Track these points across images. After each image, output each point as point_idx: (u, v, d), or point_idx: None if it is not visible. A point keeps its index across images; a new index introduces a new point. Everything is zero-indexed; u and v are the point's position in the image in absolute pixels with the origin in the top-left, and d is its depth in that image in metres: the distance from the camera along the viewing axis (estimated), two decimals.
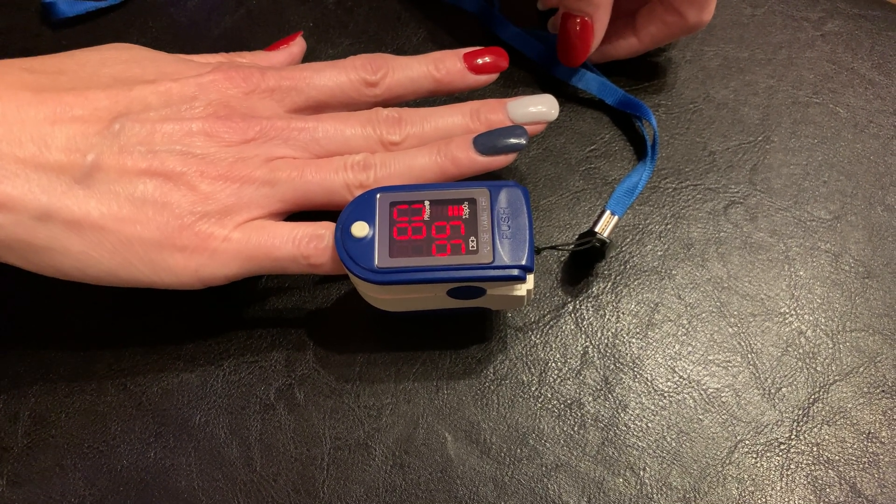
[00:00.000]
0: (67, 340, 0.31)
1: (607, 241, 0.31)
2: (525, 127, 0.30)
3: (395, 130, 0.30)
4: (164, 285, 0.28)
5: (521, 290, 0.27)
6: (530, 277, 0.27)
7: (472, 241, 0.26)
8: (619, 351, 0.30)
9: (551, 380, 0.30)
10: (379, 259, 0.26)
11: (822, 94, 0.37)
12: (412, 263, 0.26)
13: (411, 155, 0.29)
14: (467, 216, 0.27)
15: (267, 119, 0.29)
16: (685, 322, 0.31)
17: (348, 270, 0.27)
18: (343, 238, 0.27)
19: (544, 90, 0.36)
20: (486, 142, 0.29)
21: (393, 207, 0.27)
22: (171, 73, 0.30)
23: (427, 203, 0.27)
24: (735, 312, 0.31)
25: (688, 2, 0.33)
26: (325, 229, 0.28)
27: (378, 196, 0.27)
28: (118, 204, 0.27)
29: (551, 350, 0.30)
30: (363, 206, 0.27)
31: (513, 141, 0.29)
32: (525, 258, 0.26)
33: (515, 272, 0.26)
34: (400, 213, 0.27)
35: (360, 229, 0.27)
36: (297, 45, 0.35)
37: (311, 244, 0.28)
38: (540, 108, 0.31)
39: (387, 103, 0.31)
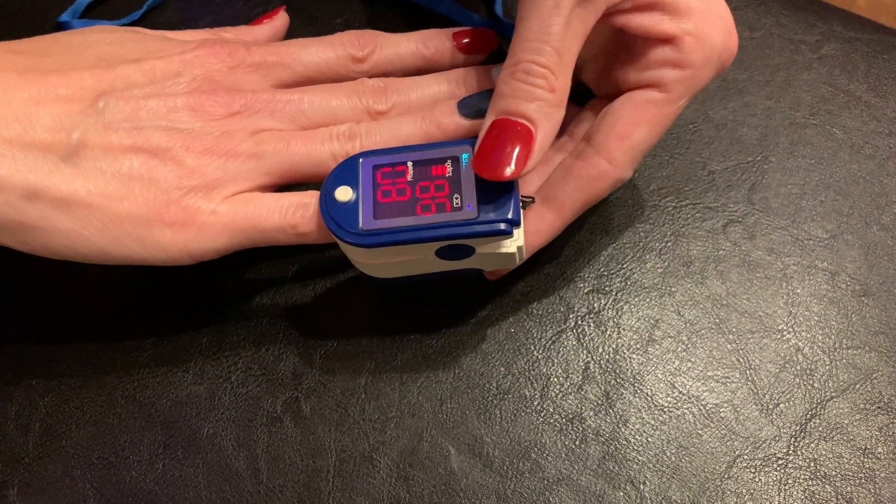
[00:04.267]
0: (78, 353, 0.31)
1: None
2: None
3: (381, 100, 0.30)
4: (156, 261, 0.28)
5: (511, 246, 0.27)
6: (518, 233, 0.27)
7: (457, 198, 0.26)
8: (620, 366, 0.31)
9: (553, 394, 0.30)
10: (363, 222, 0.26)
11: (819, 116, 0.37)
12: (397, 224, 0.26)
13: (396, 123, 0.29)
14: (451, 174, 0.27)
15: (252, 92, 0.29)
16: (685, 338, 0.32)
17: (334, 235, 0.27)
18: (327, 204, 0.27)
19: None
20: (471, 104, 0.29)
21: (376, 170, 0.27)
22: (156, 50, 0.30)
23: (410, 164, 0.27)
24: (734, 329, 0.32)
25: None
26: (311, 198, 0.28)
27: (361, 160, 0.28)
28: (105, 181, 0.27)
29: (553, 365, 0.31)
30: (346, 171, 0.27)
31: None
32: (511, 211, 0.26)
33: (502, 226, 0.26)
34: (383, 175, 0.27)
35: (343, 193, 0.27)
36: (281, 20, 0.35)
37: (297, 213, 0.28)
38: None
39: (379, 74, 0.31)
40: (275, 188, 0.30)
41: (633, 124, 0.28)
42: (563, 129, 0.31)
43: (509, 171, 0.26)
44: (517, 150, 0.26)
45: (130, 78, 0.28)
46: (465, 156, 0.27)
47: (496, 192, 0.26)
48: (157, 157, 0.27)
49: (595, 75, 0.31)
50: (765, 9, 0.41)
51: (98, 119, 0.27)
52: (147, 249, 0.27)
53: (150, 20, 0.40)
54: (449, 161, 0.27)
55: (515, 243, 0.27)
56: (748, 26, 0.40)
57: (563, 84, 0.27)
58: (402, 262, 0.28)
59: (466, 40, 0.32)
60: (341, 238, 0.26)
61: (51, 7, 0.40)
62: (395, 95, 0.30)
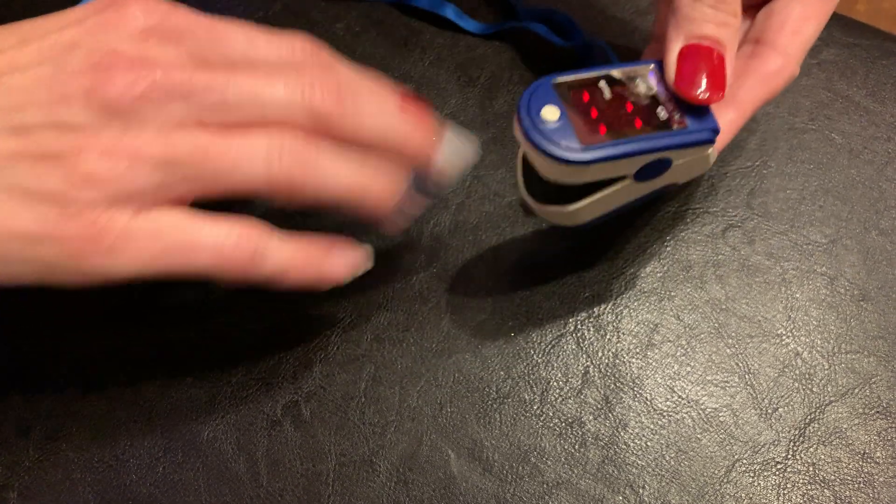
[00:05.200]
0: (78, 357, 0.31)
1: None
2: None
3: (331, 102, 0.24)
4: (55, 285, 0.24)
5: (710, 151, 0.28)
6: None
7: (662, 110, 0.27)
8: (620, 371, 0.31)
9: (553, 399, 0.30)
10: (580, 139, 0.25)
11: (817, 121, 0.37)
12: (609, 139, 0.26)
13: (343, 167, 0.25)
14: (645, 90, 0.27)
15: (163, 69, 0.23)
16: (684, 343, 0.32)
17: (548, 155, 0.25)
18: (535, 127, 0.25)
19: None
20: (420, 184, 0.27)
21: (571, 90, 0.27)
22: (56, 19, 0.24)
23: (602, 83, 0.27)
24: (733, 334, 0.32)
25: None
26: (257, 231, 0.24)
27: (553, 82, 0.27)
28: None
29: (553, 369, 0.31)
30: (542, 92, 0.26)
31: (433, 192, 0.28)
32: (712, 120, 0.27)
33: (708, 134, 0.27)
34: (579, 95, 0.26)
35: (551, 113, 0.25)
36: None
37: (233, 255, 0.24)
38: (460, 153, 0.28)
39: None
40: (193, 200, 0.25)
41: (804, 19, 0.30)
42: None
43: (710, 94, 0.27)
44: (715, 74, 0.27)
45: (17, 60, 0.23)
46: (651, 74, 0.28)
47: (691, 104, 0.27)
48: (45, 164, 0.22)
49: None
50: None
51: None
52: (42, 271, 0.23)
53: None
54: (640, 78, 0.27)
55: (711, 147, 0.28)
56: None
57: (740, 9, 0.28)
58: (601, 198, 0.28)
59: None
60: (559, 157, 0.25)
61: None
62: (351, 104, 0.25)
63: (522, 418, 0.30)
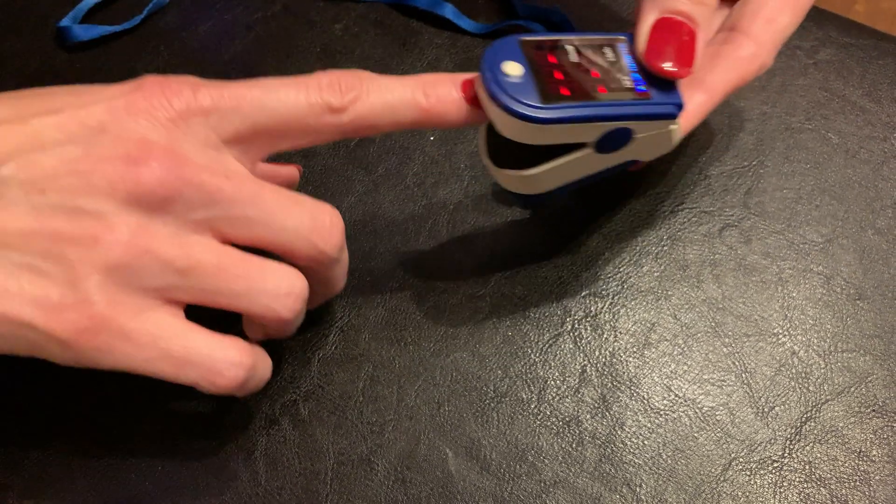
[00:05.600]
0: None
1: None
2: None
3: (339, 248, 0.26)
4: (46, 358, 0.24)
5: (672, 127, 0.27)
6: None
7: (627, 80, 0.27)
8: (617, 369, 0.31)
9: (550, 397, 0.31)
10: (542, 97, 0.25)
11: (814, 121, 0.38)
12: (571, 101, 0.25)
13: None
14: (613, 59, 0.27)
15: (191, 172, 0.23)
16: (681, 342, 0.32)
17: (507, 110, 0.24)
18: (497, 79, 0.24)
19: None
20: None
21: (538, 49, 0.26)
22: (83, 94, 0.24)
23: (571, 47, 0.26)
24: (729, 333, 0.32)
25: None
26: (252, 357, 0.25)
27: (519, 40, 0.26)
28: None
29: (550, 368, 0.31)
30: (506, 48, 0.25)
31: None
32: (677, 95, 0.27)
33: (672, 108, 0.27)
34: (543, 56, 0.26)
35: (513, 69, 0.25)
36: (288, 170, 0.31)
37: (230, 372, 0.24)
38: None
39: (356, 134, 0.26)
40: (189, 305, 0.25)
41: (778, 9, 0.30)
42: None
43: (678, 68, 0.27)
44: (684, 49, 0.27)
45: (43, 135, 0.23)
46: (620, 45, 0.27)
47: (656, 77, 0.27)
48: (57, 248, 0.22)
49: None
50: None
51: None
52: (32, 352, 0.23)
53: (151, 26, 0.40)
54: (608, 47, 0.27)
55: (674, 124, 0.28)
56: None
57: None
58: (560, 166, 0.27)
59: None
60: (519, 112, 0.24)
61: (52, 12, 0.40)
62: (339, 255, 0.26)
63: (520, 417, 0.30)
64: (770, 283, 0.33)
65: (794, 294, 0.33)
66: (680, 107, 0.27)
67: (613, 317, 0.32)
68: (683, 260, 0.34)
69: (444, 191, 0.35)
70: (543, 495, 0.29)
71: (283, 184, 0.29)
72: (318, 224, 0.25)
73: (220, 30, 0.40)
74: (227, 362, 0.24)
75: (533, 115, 0.24)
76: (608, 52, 0.27)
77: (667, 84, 0.27)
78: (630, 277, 0.33)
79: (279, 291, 0.25)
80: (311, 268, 0.26)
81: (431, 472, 0.29)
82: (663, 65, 0.27)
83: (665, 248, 0.34)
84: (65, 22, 0.39)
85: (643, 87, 0.26)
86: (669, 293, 0.33)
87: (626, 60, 0.27)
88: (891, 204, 0.35)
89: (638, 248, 0.34)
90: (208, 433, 0.30)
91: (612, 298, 0.33)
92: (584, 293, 0.33)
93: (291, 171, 0.31)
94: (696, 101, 0.29)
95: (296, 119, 0.25)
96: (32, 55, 0.39)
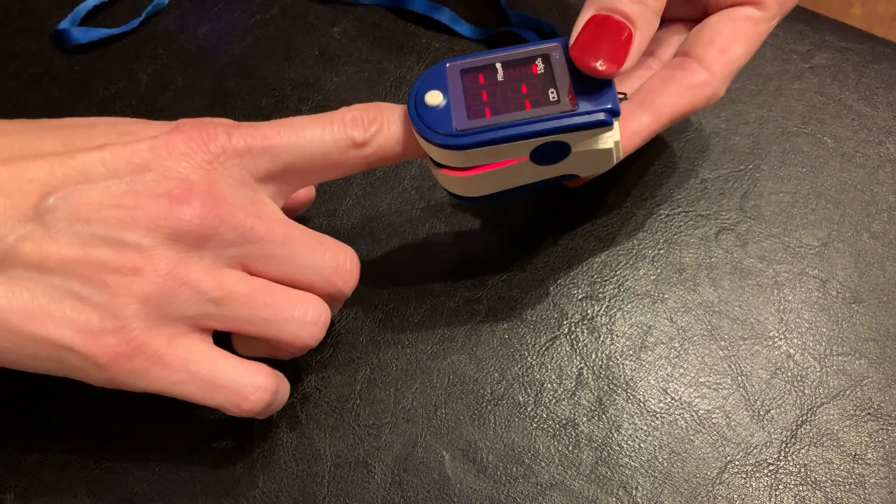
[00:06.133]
0: None
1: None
2: None
3: (350, 283, 0.28)
4: (80, 379, 0.25)
5: (608, 141, 0.26)
6: (616, 127, 0.26)
7: (552, 92, 0.25)
8: (613, 372, 0.31)
9: (547, 400, 0.31)
10: (457, 122, 0.25)
11: (810, 125, 0.38)
12: (492, 122, 0.25)
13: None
14: (543, 71, 0.26)
15: (229, 212, 0.25)
16: (677, 345, 0.32)
17: (426, 140, 0.25)
18: (417, 109, 0.25)
19: None
20: None
21: (465, 73, 0.26)
22: (125, 133, 0.26)
23: (499, 65, 0.26)
24: (725, 336, 0.32)
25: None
26: (275, 380, 0.26)
27: (447, 65, 0.27)
28: (31, 295, 0.23)
29: (547, 371, 0.31)
30: (433, 76, 0.26)
31: None
32: (610, 102, 0.25)
33: (602, 116, 0.25)
34: (473, 77, 0.26)
35: (433, 98, 0.26)
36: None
37: (254, 395, 0.25)
38: None
39: (382, 163, 0.28)
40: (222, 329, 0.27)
41: (732, 39, 0.30)
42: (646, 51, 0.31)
43: (606, 66, 0.25)
44: (617, 47, 0.26)
45: (88, 169, 0.24)
46: (554, 53, 0.26)
47: (592, 85, 0.26)
48: (99, 277, 0.23)
49: None
50: None
51: (38, 223, 0.24)
52: (67, 373, 0.25)
53: (149, 28, 0.40)
54: (539, 59, 0.26)
55: (612, 138, 0.26)
56: None
57: None
58: (495, 172, 0.26)
59: None
60: (435, 142, 0.25)
61: (50, 14, 0.40)
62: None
63: (516, 420, 0.30)
64: (766, 287, 0.33)
65: (790, 297, 0.33)
66: (612, 114, 0.25)
67: (610, 320, 0.32)
68: (680, 263, 0.34)
69: (441, 194, 0.35)
70: (540, 498, 0.29)
71: (302, 202, 0.32)
72: (339, 265, 0.27)
73: (218, 32, 0.40)
74: (253, 387, 0.26)
75: (445, 142, 0.25)
76: (539, 63, 0.26)
77: (599, 92, 0.25)
78: (626, 280, 0.33)
79: (305, 319, 0.26)
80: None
81: (428, 474, 0.29)
82: (590, 62, 0.26)
83: (661, 251, 0.34)
84: (63, 24, 0.39)
85: (570, 98, 0.25)
86: (666, 296, 0.33)
87: (559, 70, 0.26)
88: (886, 208, 0.35)
89: (634, 251, 0.34)
90: (206, 436, 0.30)
91: (609, 301, 0.33)
92: (580, 296, 0.33)
93: (309, 191, 0.32)
94: (642, 122, 0.29)
95: (323, 155, 0.26)
96: (31, 57, 0.39)
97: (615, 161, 0.28)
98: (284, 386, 0.28)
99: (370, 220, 0.35)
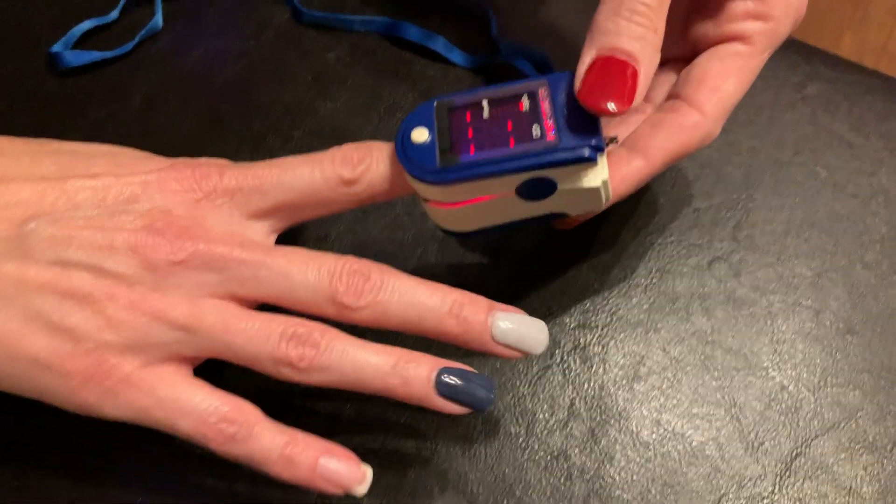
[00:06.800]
0: None
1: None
2: (504, 349, 0.26)
3: (356, 293, 0.25)
4: (50, 403, 0.25)
5: (595, 179, 0.26)
6: (602, 162, 0.26)
7: (536, 128, 0.26)
8: (606, 403, 0.31)
9: (538, 431, 0.30)
10: (443, 159, 0.26)
11: (802, 155, 0.38)
12: (475, 159, 0.25)
13: (364, 353, 0.25)
14: (528, 109, 0.26)
15: (206, 242, 0.25)
16: (670, 375, 0.32)
17: (411, 176, 0.26)
18: (404, 146, 0.26)
19: None
20: (451, 384, 0.25)
21: (452, 111, 0.27)
22: (121, 166, 0.26)
23: (485, 102, 0.26)
24: (719, 366, 0.32)
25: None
26: (243, 413, 0.25)
27: (435, 103, 0.27)
28: (6, 315, 0.24)
29: (539, 401, 0.31)
30: (422, 112, 0.27)
31: (478, 396, 0.26)
32: (594, 138, 0.25)
33: (586, 152, 0.25)
34: (459, 115, 0.26)
35: (419, 135, 0.26)
36: None
37: (217, 426, 0.24)
38: (530, 333, 0.26)
39: (372, 200, 0.28)
40: (200, 363, 0.27)
41: (722, 77, 0.29)
42: None
43: (617, 105, 0.25)
44: (624, 86, 0.25)
45: (77, 198, 0.25)
46: (541, 90, 0.26)
47: (578, 122, 0.25)
48: (75, 300, 0.24)
49: (666, 38, 0.28)
50: None
51: (20, 245, 0.24)
52: (40, 392, 0.25)
53: (143, 51, 0.40)
54: (526, 96, 0.26)
55: (600, 176, 0.26)
56: None
57: (662, 27, 0.27)
58: (483, 206, 0.27)
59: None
60: (420, 177, 0.25)
61: (44, 36, 0.40)
62: (374, 294, 0.25)
63: (508, 451, 0.30)
64: (759, 317, 0.33)
65: (784, 328, 0.33)
66: (596, 148, 0.25)
67: (603, 349, 0.32)
68: (673, 292, 0.34)
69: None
70: None
71: None
72: (334, 274, 0.25)
73: (212, 56, 0.40)
74: (217, 415, 0.25)
75: (429, 178, 0.25)
76: (526, 100, 0.26)
77: (584, 129, 0.25)
78: (619, 309, 0.33)
79: (285, 331, 0.25)
80: (349, 319, 0.26)
81: None
82: (600, 104, 0.25)
83: (654, 280, 0.34)
84: (56, 47, 0.39)
85: (554, 134, 0.25)
86: (659, 326, 0.33)
87: (545, 107, 0.26)
88: (878, 238, 0.35)
89: (627, 279, 0.34)
90: (196, 467, 0.29)
91: (602, 330, 0.33)
92: (573, 325, 0.33)
93: None
94: (635, 167, 0.29)
95: (312, 193, 0.27)
96: (23, 80, 0.39)
97: (604, 201, 0.28)
98: (264, 431, 0.25)
99: (362, 245, 0.34)
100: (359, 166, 0.27)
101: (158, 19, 0.41)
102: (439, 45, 0.40)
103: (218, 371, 0.27)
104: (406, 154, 0.26)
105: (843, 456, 0.30)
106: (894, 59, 1.20)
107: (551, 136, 0.25)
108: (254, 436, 0.25)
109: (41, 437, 0.30)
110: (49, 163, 0.26)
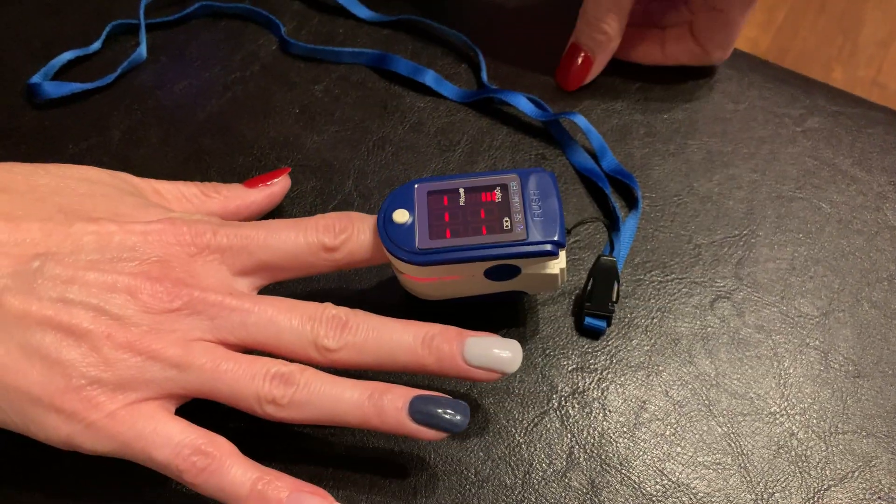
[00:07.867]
0: None
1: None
2: (480, 371, 0.27)
3: (334, 335, 0.27)
4: (35, 437, 0.26)
5: (555, 267, 0.28)
6: (563, 255, 0.29)
7: (507, 221, 0.28)
8: (606, 451, 0.29)
9: (535, 482, 0.28)
10: (419, 241, 0.28)
11: (805, 189, 0.37)
12: (451, 244, 0.28)
13: (340, 387, 0.26)
14: (500, 200, 0.29)
15: (200, 291, 0.26)
16: (673, 421, 0.30)
17: (392, 255, 0.28)
18: (385, 225, 0.28)
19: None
20: (423, 410, 0.26)
21: (430, 195, 0.29)
22: (122, 215, 0.28)
23: (462, 190, 0.29)
24: (724, 411, 0.30)
25: (713, 42, 0.38)
26: (215, 447, 0.25)
27: (416, 186, 0.29)
28: (5, 348, 0.25)
29: (536, 450, 0.29)
30: (402, 194, 0.29)
31: (451, 420, 0.26)
32: (557, 234, 0.28)
33: (548, 247, 0.28)
34: (437, 200, 0.29)
35: (400, 216, 0.28)
36: (279, 185, 0.33)
37: (191, 458, 0.25)
38: (502, 353, 0.27)
39: (351, 266, 0.29)
40: (186, 401, 0.27)
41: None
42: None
43: (569, 83, 0.39)
44: (579, 70, 0.39)
45: (81, 240, 0.26)
46: (512, 184, 0.29)
47: (543, 217, 0.28)
48: (73, 337, 0.25)
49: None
50: (748, 82, 0.40)
51: (26, 280, 0.25)
52: (27, 425, 0.25)
53: (125, 83, 0.39)
54: (498, 188, 0.29)
55: (559, 265, 0.29)
56: (731, 99, 0.40)
57: (615, 28, 0.37)
58: (453, 282, 0.29)
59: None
60: (399, 257, 0.28)
61: (23, 67, 0.39)
62: (351, 335, 0.27)
63: (503, 503, 0.28)
64: (765, 359, 0.32)
65: (791, 370, 0.31)
66: (558, 244, 0.28)
67: (602, 393, 0.31)
68: (674, 333, 0.32)
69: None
70: None
71: (277, 196, 0.33)
72: (315, 321, 0.27)
73: (196, 89, 0.39)
74: (191, 447, 0.25)
75: (407, 258, 0.28)
76: (498, 192, 0.29)
77: (548, 223, 0.28)
78: (619, 351, 0.32)
79: (267, 371, 0.26)
80: (329, 362, 0.27)
81: None
82: (560, 78, 0.39)
83: (655, 320, 0.32)
84: (35, 79, 0.38)
85: (522, 228, 0.28)
86: (660, 368, 0.31)
87: (515, 200, 0.29)
88: (886, 276, 0.34)
89: (626, 319, 0.32)
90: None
91: (601, 373, 0.31)
92: (570, 367, 0.31)
93: (281, 184, 0.33)
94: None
95: (294, 257, 0.28)
96: (0, 111, 0.38)
97: (559, 285, 0.30)
98: (234, 468, 0.25)
99: (350, 282, 0.33)
100: (340, 235, 0.29)
101: (143, 50, 0.40)
102: (429, 78, 0.39)
103: (206, 412, 0.26)
104: (388, 234, 0.28)
105: None
106: (885, 90, 1.20)
107: (519, 229, 0.28)
108: (225, 469, 0.25)
109: (27, 455, 0.28)
110: (52, 203, 0.28)
